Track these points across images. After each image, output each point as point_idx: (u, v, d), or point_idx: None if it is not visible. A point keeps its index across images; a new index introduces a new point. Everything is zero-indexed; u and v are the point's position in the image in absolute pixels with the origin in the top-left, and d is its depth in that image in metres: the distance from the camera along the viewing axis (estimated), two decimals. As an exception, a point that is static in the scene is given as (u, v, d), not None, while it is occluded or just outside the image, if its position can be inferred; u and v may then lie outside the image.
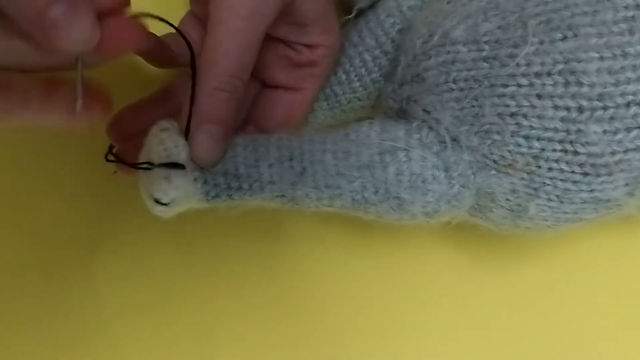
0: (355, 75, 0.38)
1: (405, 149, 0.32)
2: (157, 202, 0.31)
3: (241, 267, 0.43)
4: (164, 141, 0.31)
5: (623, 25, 0.30)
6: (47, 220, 0.44)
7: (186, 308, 0.42)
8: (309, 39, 0.35)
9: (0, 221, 0.44)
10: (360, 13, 0.37)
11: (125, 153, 0.35)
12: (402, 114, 0.35)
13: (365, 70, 0.37)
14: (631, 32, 0.30)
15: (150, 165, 0.31)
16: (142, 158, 0.32)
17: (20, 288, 0.42)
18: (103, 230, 0.43)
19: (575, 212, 0.33)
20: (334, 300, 0.42)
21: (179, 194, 0.31)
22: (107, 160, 0.33)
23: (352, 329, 0.42)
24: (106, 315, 0.42)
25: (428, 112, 0.33)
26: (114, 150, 0.34)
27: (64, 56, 0.27)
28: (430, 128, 0.33)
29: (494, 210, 0.34)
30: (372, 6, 0.37)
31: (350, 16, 0.37)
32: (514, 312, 0.42)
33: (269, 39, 0.34)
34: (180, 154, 0.31)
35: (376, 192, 0.33)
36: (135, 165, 0.32)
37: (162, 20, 0.30)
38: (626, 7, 0.30)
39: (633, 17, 0.30)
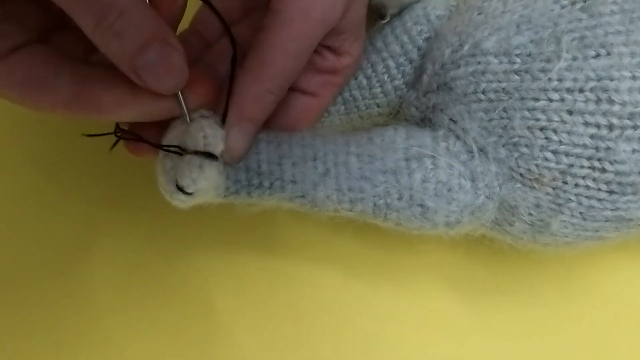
0: (377, 81, 0.37)
1: (433, 156, 0.32)
2: (181, 190, 0.30)
3: (241, 266, 0.42)
4: (204, 129, 0.30)
5: (655, 46, 0.31)
6: (47, 219, 0.43)
7: (186, 307, 0.42)
8: (340, 46, 0.34)
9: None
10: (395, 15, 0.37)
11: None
12: (424, 123, 0.35)
13: (388, 77, 0.37)
14: (663, 53, 0.31)
15: (182, 151, 0.30)
16: (169, 141, 0.30)
17: (18, 287, 0.42)
18: (103, 229, 0.43)
19: (597, 230, 0.33)
20: (334, 300, 0.42)
21: (207, 185, 0.30)
22: (117, 136, 0.31)
23: (352, 329, 0.41)
24: (104, 314, 0.41)
25: (455, 122, 0.33)
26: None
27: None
28: (457, 137, 0.33)
29: (515, 224, 0.33)
30: (398, 13, 0.37)
31: (384, 21, 0.36)
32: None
33: None
34: (218, 145, 0.30)
35: (400, 198, 0.32)
36: (163, 147, 0.30)
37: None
38: (659, 27, 0.31)
39: (666, 37, 0.31)
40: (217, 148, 0.30)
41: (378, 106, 0.38)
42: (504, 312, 0.42)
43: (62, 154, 0.44)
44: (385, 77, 0.37)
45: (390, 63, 0.37)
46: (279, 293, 0.42)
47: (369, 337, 0.41)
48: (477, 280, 0.42)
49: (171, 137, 0.31)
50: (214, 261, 0.42)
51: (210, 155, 0.30)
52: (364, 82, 0.37)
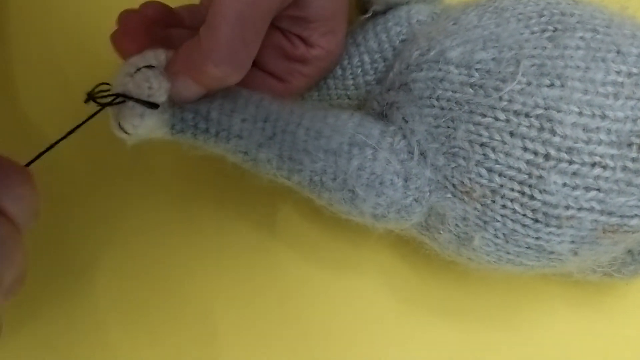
0: (351, 74, 0.38)
1: (374, 148, 0.33)
2: (123, 129, 0.32)
3: (241, 266, 0.42)
4: (149, 79, 0.31)
5: (610, 89, 0.31)
6: (46, 218, 0.42)
7: (185, 307, 0.42)
8: (309, 36, 0.35)
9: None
10: (371, 16, 0.38)
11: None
12: (382, 117, 0.36)
13: (361, 71, 0.38)
14: (616, 97, 0.31)
15: (124, 97, 0.31)
16: (117, 84, 0.32)
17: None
18: (103, 228, 0.43)
19: (518, 255, 0.33)
20: (335, 300, 0.42)
21: (147, 131, 0.32)
22: (85, 102, 0.31)
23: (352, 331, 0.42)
24: (102, 313, 0.42)
25: (406, 121, 0.34)
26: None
27: None
28: (404, 137, 0.34)
29: (442, 232, 0.34)
30: (383, 12, 0.38)
31: (366, 16, 0.37)
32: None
33: (269, 26, 0.32)
34: (162, 96, 0.31)
35: (334, 179, 0.33)
36: (110, 103, 0.31)
37: None
38: (618, 72, 0.31)
39: (622, 83, 0.31)
40: (160, 99, 0.31)
41: (349, 98, 0.39)
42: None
43: (64, 158, 0.44)
44: (359, 70, 0.38)
45: (366, 58, 0.38)
46: (279, 293, 0.42)
47: (365, 336, 0.42)
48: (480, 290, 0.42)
49: (119, 79, 0.32)
50: (212, 263, 0.43)
51: (152, 105, 0.31)
52: (339, 72, 0.38)
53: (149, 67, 0.32)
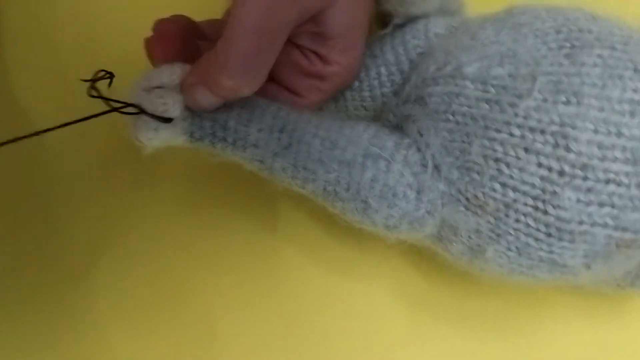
0: (368, 86, 0.38)
1: (388, 160, 0.33)
2: (139, 140, 0.33)
3: (242, 266, 0.43)
4: (163, 96, 0.32)
5: (626, 106, 0.31)
6: (46, 217, 0.44)
7: (185, 307, 0.42)
8: (327, 53, 0.35)
9: None
10: (399, 26, 0.38)
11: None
12: (398, 129, 0.36)
13: (378, 83, 0.38)
14: (632, 114, 0.31)
15: (139, 110, 0.32)
16: (133, 98, 0.32)
17: (20, 290, 0.42)
18: (103, 228, 0.43)
19: (530, 268, 0.33)
20: (334, 301, 0.42)
21: (162, 143, 0.33)
22: (90, 96, 0.31)
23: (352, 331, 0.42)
24: (102, 313, 0.42)
25: (421, 135, 0.34)
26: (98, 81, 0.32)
27: None
28: (419, 149, 0.34)
29: (455, 243, 0.34)
30: (401, 25, 0.38)
31: (385, 31, 0.38)
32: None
33: (286, 42, 0.32)
34: (176, 111, 0.32)
35: (347, 189, 0.34)
36: (120, 110, 0.32)
37: None
38: (635, 90, 0.31)
39: (638, 101, 0.31)
40: (174, 114, 0.32)
41: (365, 109, 0.39)
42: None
43: (65, 158, 0.44)
44: (376, 82, 0.38)
45: (383, 70, 0.38)
46: (281, 295, 0.42)
47: (368, 342, 0.42)
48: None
49: (135, 91, 0.32)
50: (212, 262, 0.43)
51: (166, 120, 0.32)
52: (356, 84, 0.39)
53: (161, 87, 0.33)
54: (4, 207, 0.44)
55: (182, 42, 0.34)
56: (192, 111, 0.33)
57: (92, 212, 0.44)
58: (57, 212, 0.44)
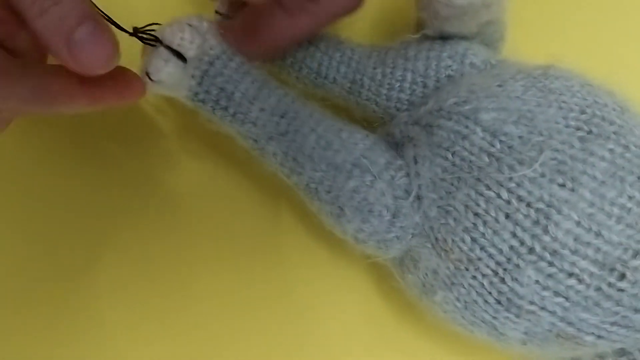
0: (388, 84, 0.37)
1: (374, 176, 0.34)
2: (147, 75, 0.33)
3: (242, 267, 0.42)
4: (184, 31, 0.33)
5: (616, 210, 0.30)
6: (46, 217, 0.43)
7: (185, 308, 0.42)
8: None
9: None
10: (423, 37, 0.37)
11: None
12: (395, 147, 0.36)
13: (399, 86, 0.37)
14: (618, 220, 0.30)
15: (158, 43, 0.33)
16: (160, 31, 0.34)
17: (20, 288, 0.42)
18: (102, 227, 0.43)
19: (471, 324, 0.34)
20: (335, 300, 0.42)
21: (169, 80, 0.33)
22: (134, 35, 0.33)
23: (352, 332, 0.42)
24: (102, 313, 0.42)
25: (416, 162, 0.34)
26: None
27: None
28: (407, 175, 0.34)
29: (411, 275, 0.35)
30: (445, 37, 0.37)
31: (415, 36, 0.37)
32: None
33: None
34: (190, 50, 0.33)
35: (328, 192, 0.34)
36: (142, 37, 0.33)
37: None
38: (630, 198, 0.31)
39: (629, 209, 0.31)
40: (189, 53, 0.33)
41: (376, 104, 0.38)
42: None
43: (65, 157, 0.44)
44: (397, 85, 0.37)
45: (409, 76, 0.37)
46: (281, 295, 0.42)
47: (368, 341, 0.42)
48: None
49: (163, 27, 0.34)
50: (213, 262, 0.42)
51: (179, 55, 0.33)
52: (379, 76, 0.38)
53: (191, 25, 0.34)
54: (6, 207, 0.43)
55: None
56: (204, 75, 0.33)
57: (92, 212, 0.43)
58: (57, 212, 0.43)
